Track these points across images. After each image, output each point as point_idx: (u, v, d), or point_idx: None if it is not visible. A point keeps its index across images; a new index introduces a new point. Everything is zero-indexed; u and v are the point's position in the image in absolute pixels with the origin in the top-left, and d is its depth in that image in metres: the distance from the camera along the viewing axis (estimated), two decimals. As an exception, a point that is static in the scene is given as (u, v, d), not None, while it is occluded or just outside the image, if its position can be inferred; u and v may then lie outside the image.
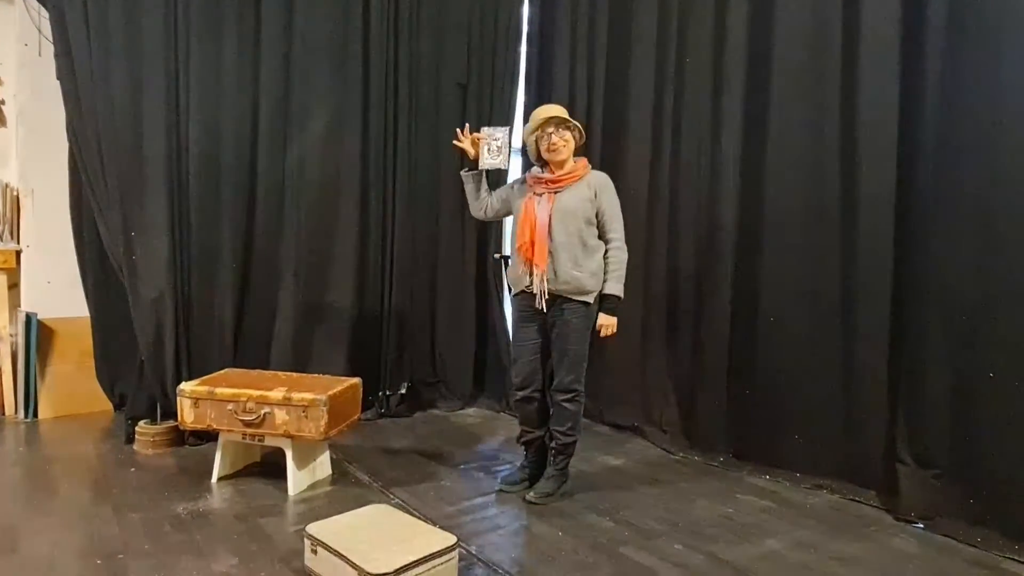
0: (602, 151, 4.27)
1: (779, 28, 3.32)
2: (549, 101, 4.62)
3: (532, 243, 2.80)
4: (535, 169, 2.97)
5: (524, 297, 2.92)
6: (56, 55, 3.49)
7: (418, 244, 4.42)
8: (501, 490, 3.04)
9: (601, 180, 2.92)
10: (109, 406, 4.02)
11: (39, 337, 3.92)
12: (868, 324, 3.02)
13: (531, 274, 2.84)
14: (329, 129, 4.03)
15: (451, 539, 2.21)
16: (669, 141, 3.88)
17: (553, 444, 2.97)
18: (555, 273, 2.81)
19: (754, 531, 2.70)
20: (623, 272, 2.91)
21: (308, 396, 2.88)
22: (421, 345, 4.46)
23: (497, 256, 4.65)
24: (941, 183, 2.77)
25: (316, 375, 3.39)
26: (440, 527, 2.47)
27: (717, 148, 3.60)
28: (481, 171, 3.09)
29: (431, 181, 4.46)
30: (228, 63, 3.73)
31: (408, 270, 4.35)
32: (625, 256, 2.92)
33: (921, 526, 2.74)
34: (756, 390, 3.42)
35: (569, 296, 2.83)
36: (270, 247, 3.95)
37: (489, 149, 3.00)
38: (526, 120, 4.75)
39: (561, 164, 2.88)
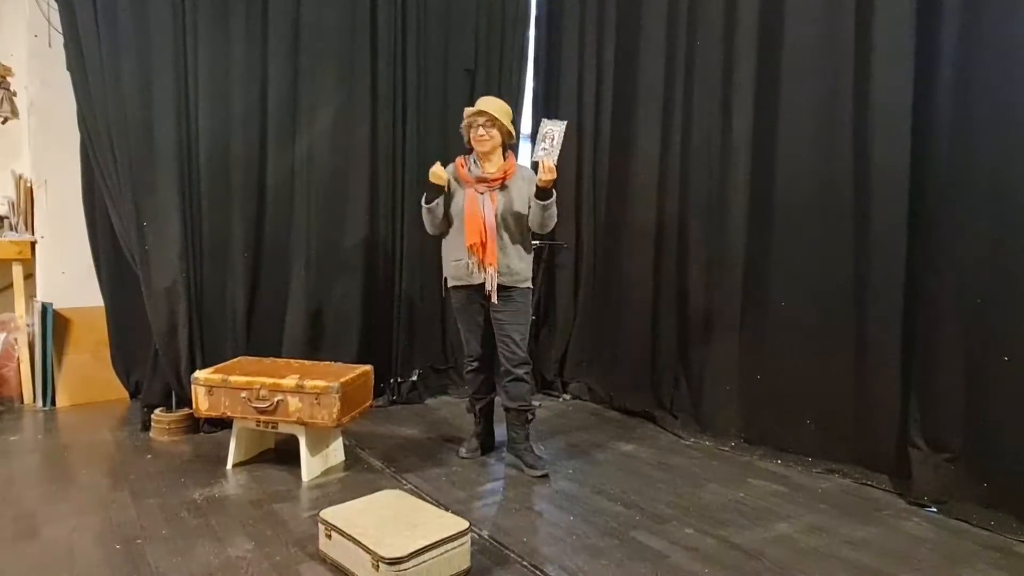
0: (612, 134, 4.25)
1: (790, 5, 3.28)
2: (558, 86, 4.62)
3: (483, 244, 2.98)
4: (473, 167, 3.08)
5: (471, 290, 3.11)
6: (66, 46, 3.50)
7: (427, 231, 4.41)
8: (463, 457, 3.29)
9: (529, 175, 3.09)
10: (125, 394, 4.07)
11: (55, 327, 3.96)
12: (881, 307, 2.99)
13: (483, 271, 3.02)
14: (338, 117, 4.02)
15: (463, 524, 2.23)
16: (679, 123, 3.85)
17: (520, 418, 3.16)
18: (507, 268, 3.05)
19: (765, 515, 2.70)
20: (553, 207, 3.04)
21: (321, 383, 2.90)
22: (432, 332, 4.48)
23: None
24: (956, 164, 2.73)
25: (328, 363, 3.41)
26: (452, 512, 2.49)
27: (728, 130, 3.57)
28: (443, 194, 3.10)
29: (440, 168, 4.45)
30: (237, 53, 3.73)
31: (418, 257, 4.35)
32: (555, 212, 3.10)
33: (934, 510, 2.73)
34: (767, 374, 3.41)
35: (515, 285, 3.09)
36: (281, 236, 3.97)
37: (547, 142, 2.98)
38: (535, 106, 4.77)
39: (487, 156, 3.06)
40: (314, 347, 4.01)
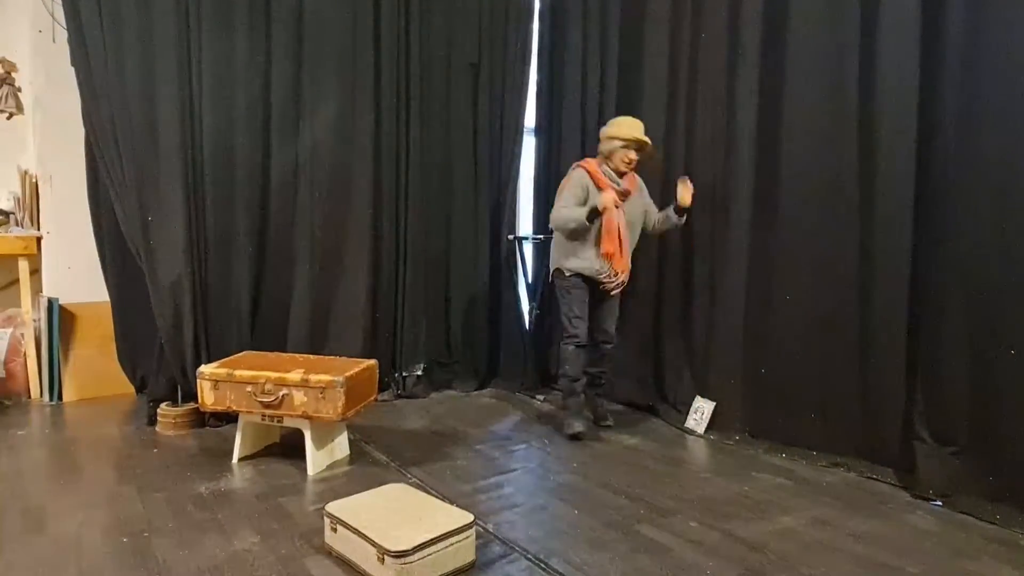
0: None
1: None
2: (561, 78, 4.60)
3: (621, 252, 3.44)
4: (606, 173, 3.48)
5: (588, 279, 3.52)
6: (70, 41, 3.51)
7: (431, 225, 4.42)
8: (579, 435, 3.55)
9: (641, 184, 3.64)
10: (131, 389, 4.09)
11: (61, 322, 3.98)
12: (886, 300, 2.98)
13: (610, 272, 3.48)
14: (341, 112, 4.03)
15: (468, 517, 2.23)
16: (684, 116, 3.84)
17: (603, 380, 3.78)
18: (619, 269, 3.50)
19: (770, 509, 2.70)
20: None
21: (326, 378, 2.90)
22: (436, 326, 4.48)
23: (511, 237, 4.65)
24: (962, 156, 2.72)
25: (333, 357, 3.42)
26: (457, 505, 2.50)
27: (732, 123, 3.56)
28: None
29: (444, 162, 4.46)
30: (240, 48, 3.73)
31: (422, 251, 4.36)
32: None
33: (939, 503, 2.73)
34: (772, 368, 3.41)
35: (624, 283, 3.59)
36: (285, 230, 3.98)
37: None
38: (539, 97, 4.75)
39: (624, 174, 3.50)
40: (319, 341, 4.03)
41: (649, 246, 4.02)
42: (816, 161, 3.20)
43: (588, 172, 3.48)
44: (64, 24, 3.55)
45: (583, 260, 3.49)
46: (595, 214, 3.37)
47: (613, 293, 3.56)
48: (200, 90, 3.62)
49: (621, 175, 3.48)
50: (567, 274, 3.53)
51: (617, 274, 3.48)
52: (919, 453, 2.84)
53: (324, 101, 3.98)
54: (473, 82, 4.48)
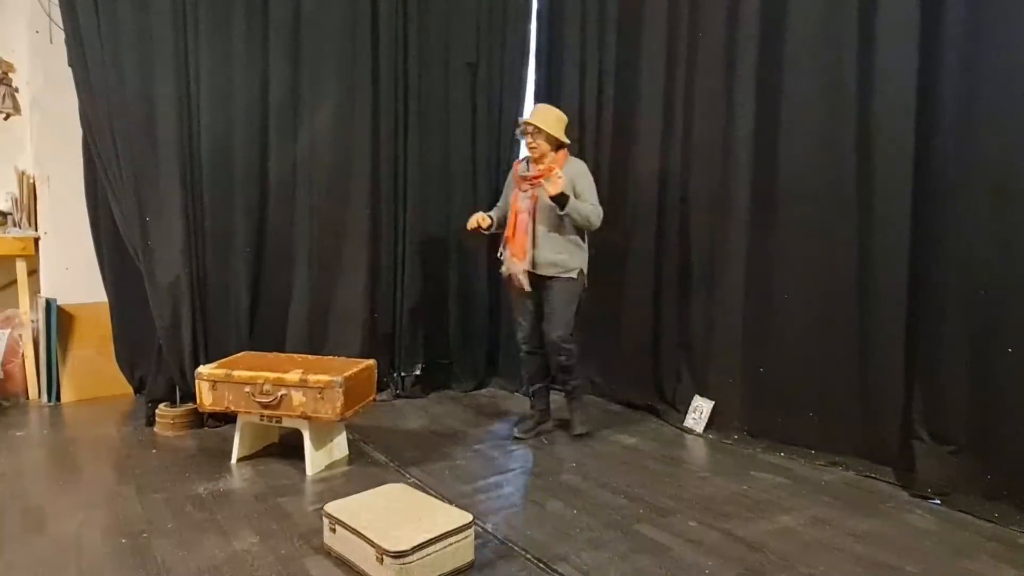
0: (614, 129, 4.23)
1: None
2: (560, 79, 4.60)
3: (512, 238, 3.31)
4: (521, 166, 3.41)
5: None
6: (67, 41, 3.50)
7: (430, 225, 4.42)
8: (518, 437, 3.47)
9: (576, 169, 3.33)
10: (129, 389, 4.09)
11: (59, 322, 3.98)
12: (884, 299, 2.99)
13: (511, 263, 3.34)
14: (340, 111, 4.02)
15: (467, 517, 2.23)
16: (681, 117, 3.83)
17: (571, 387, 3.55)
18: (544, 259, 3.29)
19: (769, 508, 2.70)
20: (581, 209, 3.25)
21: (324, 378, 2.90)
22: (435, 326, 4.48)
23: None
24: (961, 156, 2.72)
25: (331, 357, 3.42)
26: (456, 505, 2.50)
27: (730, 123, 3.55)
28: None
29: (442, 162, 4.45)
30: (237, 47, 3.73)
31: (421, 251, 4.35)
32: (595, 212, 3.31)
33: (938, 502, 2.73)
34: (770, 367, 3.41)
35: (557, 276, 3.31)
36: (283, 230, 3.97)
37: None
38: (537, 97, 4.75)
39: (539, 160, 3.30)
40: (317, 341, 4.03)
41: (649, 246, 4.03)
42: (815, 161, 3.20)
43: (514, 167, 3.51)
44: (61, 24, 3.54)
45: (505, 255, 3.44)
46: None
47: (527, 288, 3.31)
48: (198, 90, 3.62)
49: (538, 162, 3.33)
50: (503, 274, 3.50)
51: (514, 262, 3.31)
52: (918, 452, 2.84)
53: (322, 101, 3.98)
54: (471, 82, 4.48)
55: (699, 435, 3.60)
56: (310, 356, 3.43)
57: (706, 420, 3.62)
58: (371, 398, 3.25)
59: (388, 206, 4.23)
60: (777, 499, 2.79)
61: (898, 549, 2.37)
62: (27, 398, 4.01)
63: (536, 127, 3.25)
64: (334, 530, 2.25)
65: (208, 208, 3.70)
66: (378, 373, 3.32)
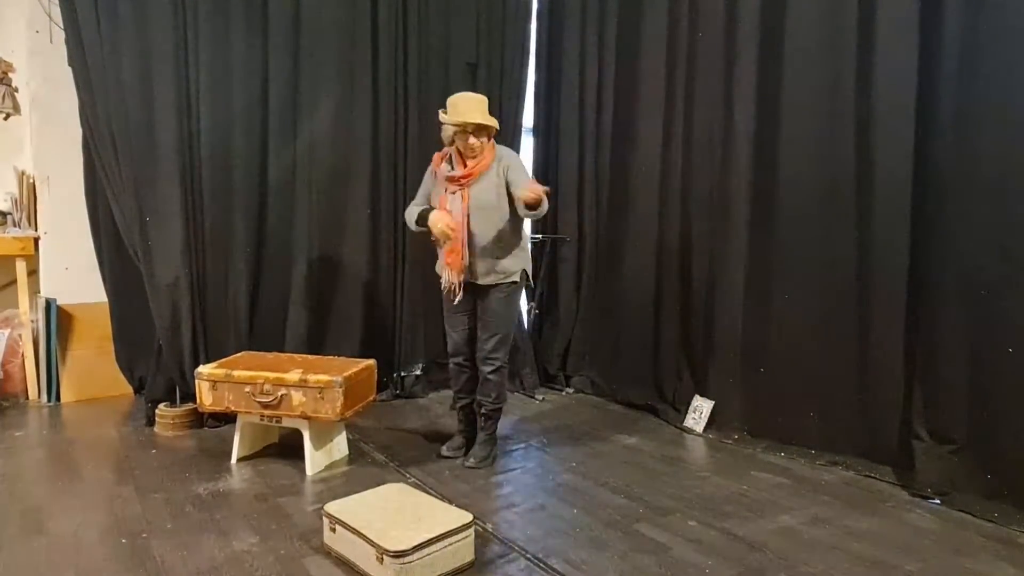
0: (613, 128, 4.24)
1: (793, -1, 3.26)
2: (559, 78, 4.60)
3: (458, 247, 2.88)
4: (444, 167, 2.99)
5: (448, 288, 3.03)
6: (67, 41, 3.50)
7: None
8: (444, 456, 3.19)
9: (509, 158, 2.96)
10: (129, 389, 4.08)
11: (59, 322, 3.97)
12: (884, 299, 2.99)
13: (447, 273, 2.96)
14: (339, 112, 4.02)
15: (467, 517, 2.23)
16: (681, 116, 3.84)
17: (483, 410, 3.17)
18: (475, 269, 2.95)
19: (768, 507, 2.70)
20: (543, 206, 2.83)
21: (324, 378, 2.90)
22: (435, 326, 4.46)
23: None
24: (959, 155, 2.72)
25: (331, 357, 3.42)
26: (456, 505, 2.50)
27: (730, 123, 3.56)
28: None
29: (442, 162, 4.45)
30: (237, 47, 3.72)
31: (419, 251, 4.35)
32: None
33: (937, 501, 2.73)
34: (770, 367, 3.41)
35: (497, 283, 2.99)
36: (283, 230, 3.97)
37: None
38: (537, 97, 4.76)
39: (474, 156, 2.93)
40: (317, 341, 4.02)
41: (649, 245, 4.03)
42: (814, 161, 3.21)
43: (434, 160, 3.06)
44: (61, 24, 3.54)
45: (440, 264, 3.05)
46: (424, 224, 2.95)
47: (458, 298, 2.96)
48: (197, 91, 3.62)
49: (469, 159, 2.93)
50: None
51: (450, 272, 2.93)
52: (917, 451, 2.84)
53: (321, 102, 3.97)
54: (471, 82, 4.48)
55: (699, 435, 3.60)
56: (310, 356, 3.43)
57: (706, 420, 3.62)
58: (371, 398, 3.25)
59: (388, 205, 4.23)
60: (777, 499, 2.79)
61: (898, 548, 2.37)
62: (27, 398, 4.01)
63: (485, 126, 2.87)
64: (334, 530, 2.25)
65: (208, 208, 3.70)
66: (378, 373, 3.32)
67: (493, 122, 2.92)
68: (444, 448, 3.25)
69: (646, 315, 4.04)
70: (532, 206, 2.74)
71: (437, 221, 2.85)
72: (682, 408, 3.79)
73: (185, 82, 3.58)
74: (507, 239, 2.97)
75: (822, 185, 3.18)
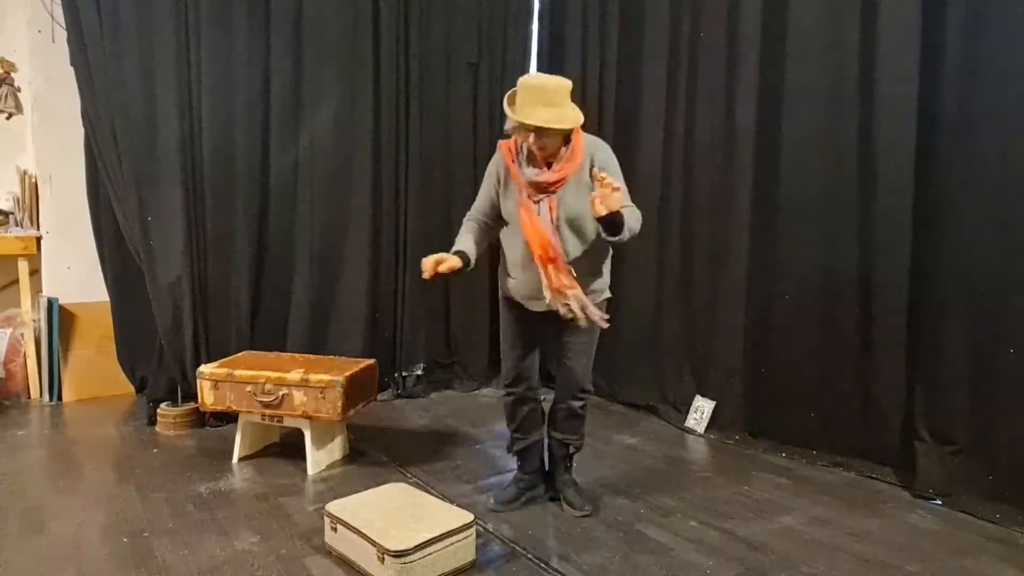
0: (615, 127, 4.23)
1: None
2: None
3: (553, 259, 2.30)
4: (521, 163, 2.36)
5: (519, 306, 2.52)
6: (69, 41, 3.51)
7: (431, 225, 4.42)
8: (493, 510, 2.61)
9: (597, 148, 2.39)
10: (131, 389, 4.08)
11: (61, 322, 3.98)
12: (886, 299, 2.99)
13: (549, 291, 2.33)
14: (341, 112, 4.02)
15: (468, 516, 2.23)
16: (683, 115, 3.83)
17: (562, 451, 2.68)
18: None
19: (770, 508, 2.70)
20: (635, 227, 2.30)
21: (325, 377, 2.90)
22: (436, 326, 4.48)
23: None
24: (962, 156, 2.71)
25: (332, 357, 3.42)
26: (457, 505, 2.50)
27: (732, 121, 3.55)
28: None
29: (443, 162, 4.45)
30: (238, 47, 3.73)
31: (421, 251, 4.33)
32: (638, 218, 2.33)
33: (939, 502, 2.73)
34: (772, 367, 3.41)
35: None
36: (284, 230, 3.98)
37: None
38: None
39: (551, 156, 2.33)
40: (318, 341, 4.03)
41: (651, 245, 4.01)
42: (816, 161, 3.20)
43: (503, 153, 2.43)
44: (63, 24, 3.55)
45: (513, 280, 2.49)
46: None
47: (569, 322, 2.36)
48: (199, 90, 3.62)
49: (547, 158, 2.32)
50: (500, 294, 2.60)
51: (559, 294, 2.30)
52: (919, 452, 2.84)
53: (323, 101, 3.98)
54: (473, 82, 4.48)
55: (700, 435, 3.60)
56: (311, 356, 3.43)
57: (707, 420, 3.62)
58: (372, 398, 3.25)
59: (389, 205, 4.23)
60: (778, 499, 2.79)
61: (899, 549, 2.37)
62: (28, 397, 4.02)
63: (550, 130, 2.23)
64: (335, 529, 2.25)
65: (209, 208, 3.70)
66: (379, 373, 3.32)
67: (568, 124, 2.26)
68: (494, 502, 2.65)
69: (647, 315, 4.04)
70: (608, 226, 2.19)
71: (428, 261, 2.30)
72: (683, 409, 3.78)
73: (187, 81, 3.58)
74: (601, 252, 2.45)
75: (824, 185, 3.18)
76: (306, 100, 3.95)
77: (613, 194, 2.09)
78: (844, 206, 3.11)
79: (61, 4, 3.53)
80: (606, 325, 2.42)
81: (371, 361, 3.24)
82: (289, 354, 3.52)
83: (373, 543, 2.08)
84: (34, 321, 4.01)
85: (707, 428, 3.62)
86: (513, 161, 2.39)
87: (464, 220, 2.59)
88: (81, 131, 3.73)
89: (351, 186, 4.10)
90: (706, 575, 2.19)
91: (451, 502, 2.58)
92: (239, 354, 3.39)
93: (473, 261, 2.45)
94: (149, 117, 3.51)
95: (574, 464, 2.74)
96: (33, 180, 4.08)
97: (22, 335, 4.00)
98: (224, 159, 3.73)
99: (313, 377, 2.91)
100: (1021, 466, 2.55)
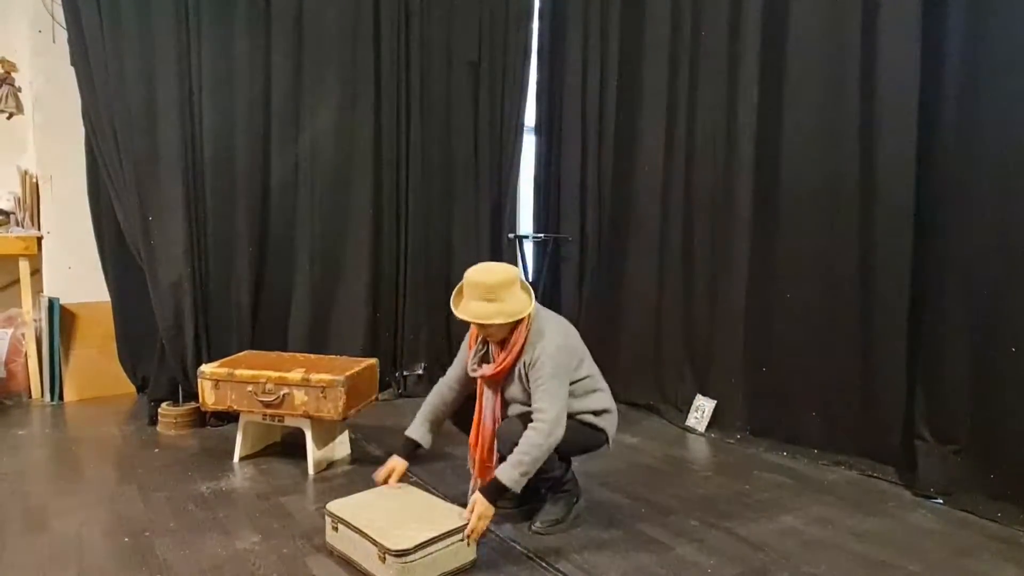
0: (616, 128, 4.24)
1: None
2: (561, 77, 4.59)
3: (486, 451, 2.45)
4: (471, 362, 2.47)
5: None
6: (70, 41, 3.51)
7: (432, 225, 4.42)
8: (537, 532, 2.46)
9: (535, 345, 2.32)
10: (132, 388, 4.09)
11: (62, 322, 3.98)
12: (887, 299, 2.98)
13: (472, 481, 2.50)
14: (341, 111, 4.03)
15: (469, 516, 2.23)
16: (684, 116, 3.83)
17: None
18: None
19: (771, 507, 2.70)
20: (531, 461, 2.21)
21: (326, 377, 2.90)
22: (437, 326, 4.48)
23: (511, 236, 4.65)
24: (962, 154, 2.71)
25: (333, 356, 3.42)
26: (458, 504, 2.49)
27: (733, 123, 3.55)
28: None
29: (444, 162, 4.46)
30: (239, 48, 3.73)
31: (422, 251, 4.36)
32: (545, 442, 2.22)
33: (940, 501, 2.73)
34: (773, 366, 3.41)
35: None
36: (285, 230, 3.98)
37: None
38: (539, 96, 4.76)
39: (501, 343, 2.37)
40: (319, 341, 4.03)
41: (652, 245, 4.02)
42: (817, 162, 3.20)
43: (469, 336, 2.53)
44: (64, 24, 3.55)
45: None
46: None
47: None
48: (200, 90, 3.62)
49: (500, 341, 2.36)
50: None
51: (478, 486, 2.31)
52: (920, 451, 2.83)
53: (324, 101, 3.98)
54: (473, 81, 4.48)
55: (701, 434, 3.60)
56: (312, 355, 3.43)
57: (708, 419, 3.62)
58: (373, 397, 3.25)
59: (390, 205, 4.23)
60: (779, 498, 2.79)
61: (900, 548, 2.37)
62: (30, 397, 4.02)
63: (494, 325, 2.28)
64: (336, 529, 2.25)
65: (210, 207, 3.70)
66: (380, 372, 3.32)
67: (501, 319, 2.25)
68: (538, 524, 2.49)
69: (648, 314, 4.04)
70: (503, 492, 2.22)
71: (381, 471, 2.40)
72: (684, 407, 3.78)
73: (188, 81, 3.58)
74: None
75: (825, 185, 3.18)
76: (307, 100, 3.95)
77: (478, 526, 2.17)
78: (845, 206, 3.11)
79: (62, 4, 3.53)
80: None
81: (372, 361, 3.24)
82: (290, 354, 3.52)
83: (374, 542, 2.08)
84: (35, 321, 4.02)
85: (708, 427, 3.62)
86: (471, 347, 2.51)
87: (434, 388, 2.71)
88: (82, 131, 3.73)
89: (352, 186, 4.10)
90: (707, 574, 2.19)
91: (452, 501, 2.57)
92: (240, 354, 3.39)
93: (428, 444, 2.63)
94: (150, 117, 3.52)
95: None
96: (34, 180, 4.08)
97: (23, 335, 4.00)
98: (225, 159, 3.73)
99: (314, 377, 2.91)
100: (1022, 465, 2.55)
